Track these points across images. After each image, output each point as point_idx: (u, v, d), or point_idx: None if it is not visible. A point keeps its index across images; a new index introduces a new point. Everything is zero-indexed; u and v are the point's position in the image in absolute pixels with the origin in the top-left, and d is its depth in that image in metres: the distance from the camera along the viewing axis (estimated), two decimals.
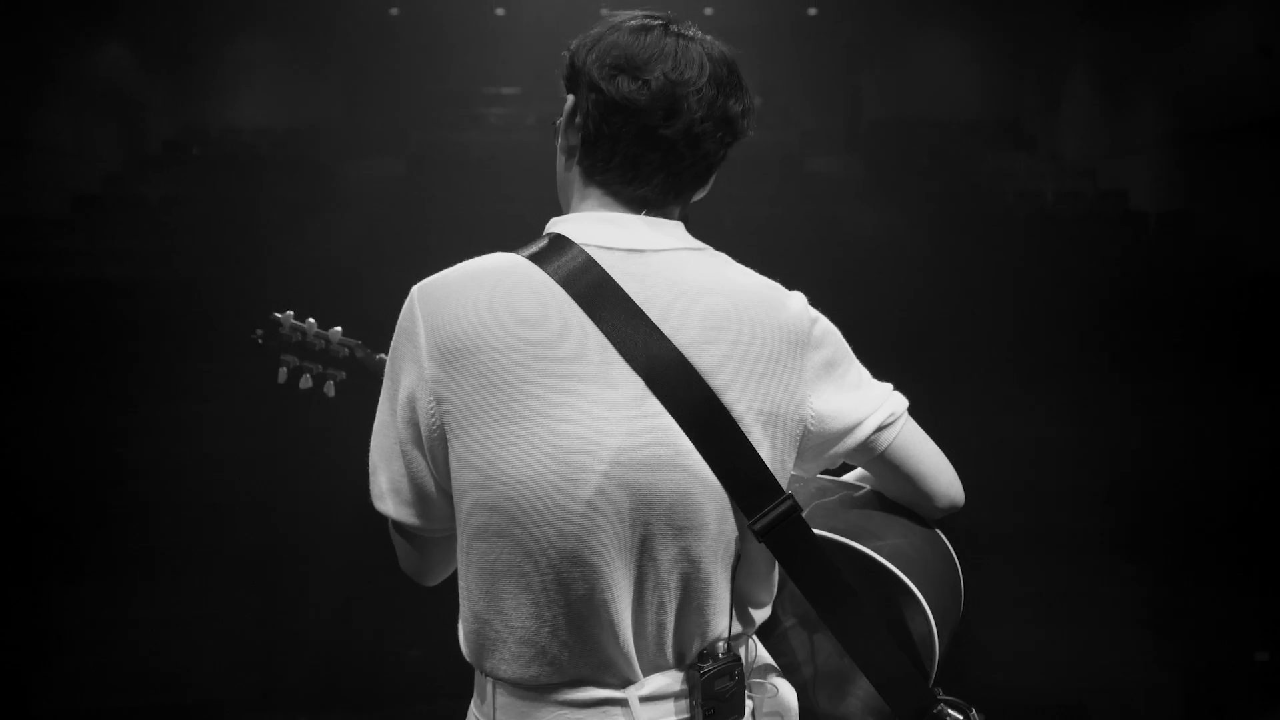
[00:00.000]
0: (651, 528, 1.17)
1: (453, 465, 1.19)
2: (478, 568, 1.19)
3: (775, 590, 1.31)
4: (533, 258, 1.20)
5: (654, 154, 1.21)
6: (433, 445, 1.19)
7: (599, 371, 1.15)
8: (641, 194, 1.23)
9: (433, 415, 1.18)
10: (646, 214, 1.25)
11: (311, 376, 1.72)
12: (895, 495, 1.37)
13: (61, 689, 4.31)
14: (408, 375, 1.19)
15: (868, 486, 1.42)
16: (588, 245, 1.20)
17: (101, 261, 7.62)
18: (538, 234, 1.26)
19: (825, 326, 1.26)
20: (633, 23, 1.24)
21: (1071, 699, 4.11)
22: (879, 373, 1.39)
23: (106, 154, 10.06)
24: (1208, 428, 5.45)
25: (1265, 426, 5.30)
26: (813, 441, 1.24)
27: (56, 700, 4.25)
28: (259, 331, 1.70)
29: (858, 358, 1.32)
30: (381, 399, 1.24)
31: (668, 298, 1.18)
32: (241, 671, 4.39)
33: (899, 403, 1.30)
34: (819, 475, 1.41)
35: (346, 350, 1.72)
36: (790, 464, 1.24)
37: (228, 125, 11.23)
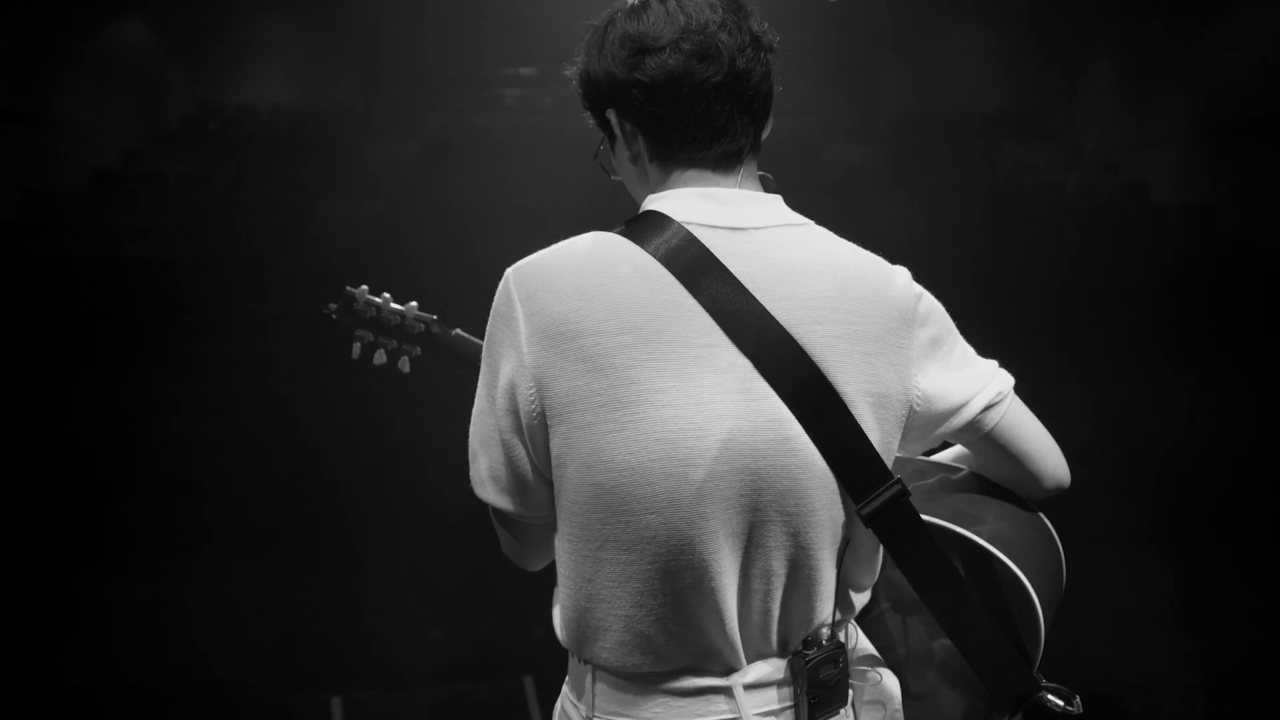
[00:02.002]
0: (760, 514, 1.15)
1: (554, 452, 1.17)
2: (580, 555, 1.17)
3: (877, 574, 1.28)
4: (632, 236, 1.18)
5: (718, 104, 1.18)
6: (533, 432, 1.18)
7: (707, 354, 1.13)
8: (724, 148, 1.21)
9: (533, 402, 1.16)
10: (741, 179, 1.22)
11: (386, 352, 1.68)
12: (999, 476, 1.33)
13: (86, 664, 4.34)
14: (507, 361, 1.17)
15: (965, 468, 1.38)
16: (689, 223, 1.17)
17: (120, 237, 7.63)
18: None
19: (930, 303, 1.24)
20: (622, 12, 1.22)
21: (1107, 693, 4.10)
22: None
23: (125, 129, 10.08)
24: (1229, 422, 5.41)
25: None
26: (919, 422, 1.22)
27: (81, 674, 4.28)
28: (332, 306, 1.67)
29: None
30: (480, 385, 1.22)
31: (775, 277, 1.16)
32: (267, 651, 4.42)
33: (1005, 380, 1.27)
34: (916, 456, 1.38)
35: (422, 325, 1.69)
36: (896, 445, 1.22)
37: (245, 103, 11.24)
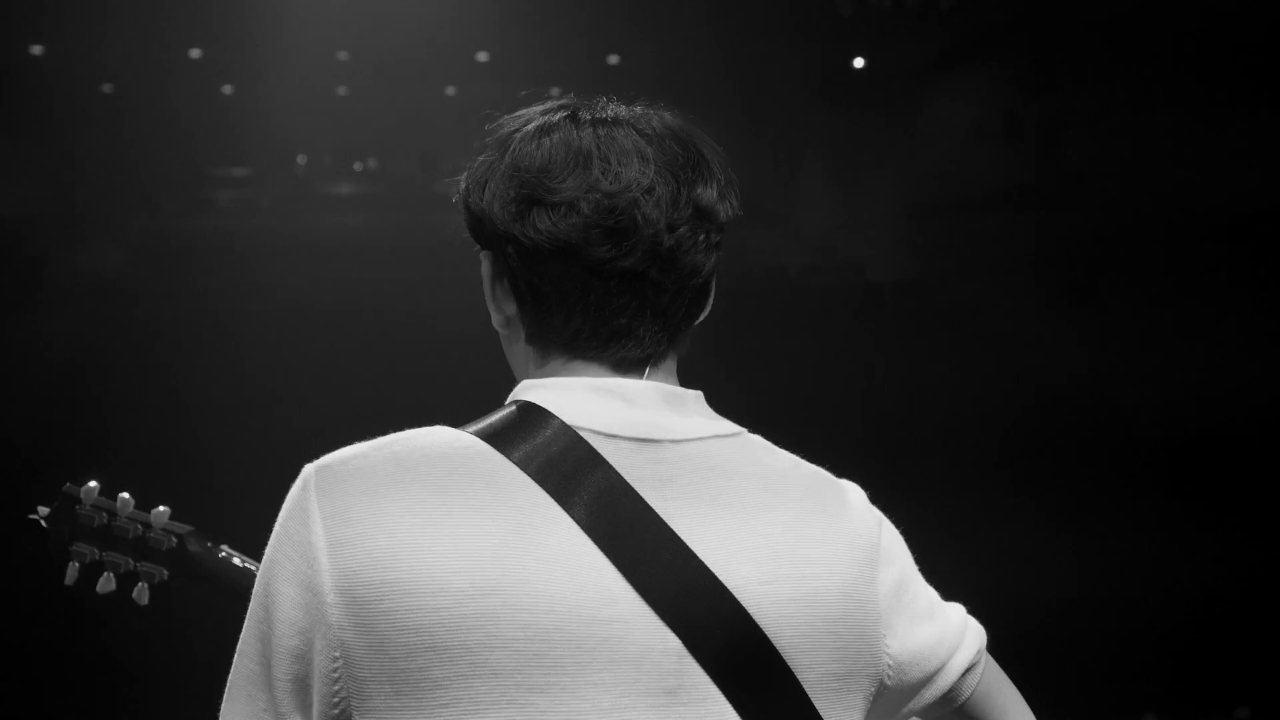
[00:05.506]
0: None
1: None
2: None
3: None
4: (491, 439, 0.82)
5: (621, 297, 0.86)
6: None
7: (610, 633, 0.75)
8: (628, 354, 0.88)
9: (336, 680, 0.78)
10: (648, 375, 0.88)
11: (116, 576, 1.23)
12: None
13: None
14: (294, 608, 0.79)
15: None
16: (581, 429, 0.82)
17: None
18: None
19: (891, 530, 0.92)
20: (529, 126, 0.90)
21: None
22: None
23: None
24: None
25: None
26: (887, 700, 0.88)
27: None
28: (42, 511, 1.22)
29: None
30: (245, 634, 0.84)
31: (706, 517, 0.81)
32: None
33: (978, 633, 0.97)
34: None
35: (174, 539, 1.25)
36: None
37: None
